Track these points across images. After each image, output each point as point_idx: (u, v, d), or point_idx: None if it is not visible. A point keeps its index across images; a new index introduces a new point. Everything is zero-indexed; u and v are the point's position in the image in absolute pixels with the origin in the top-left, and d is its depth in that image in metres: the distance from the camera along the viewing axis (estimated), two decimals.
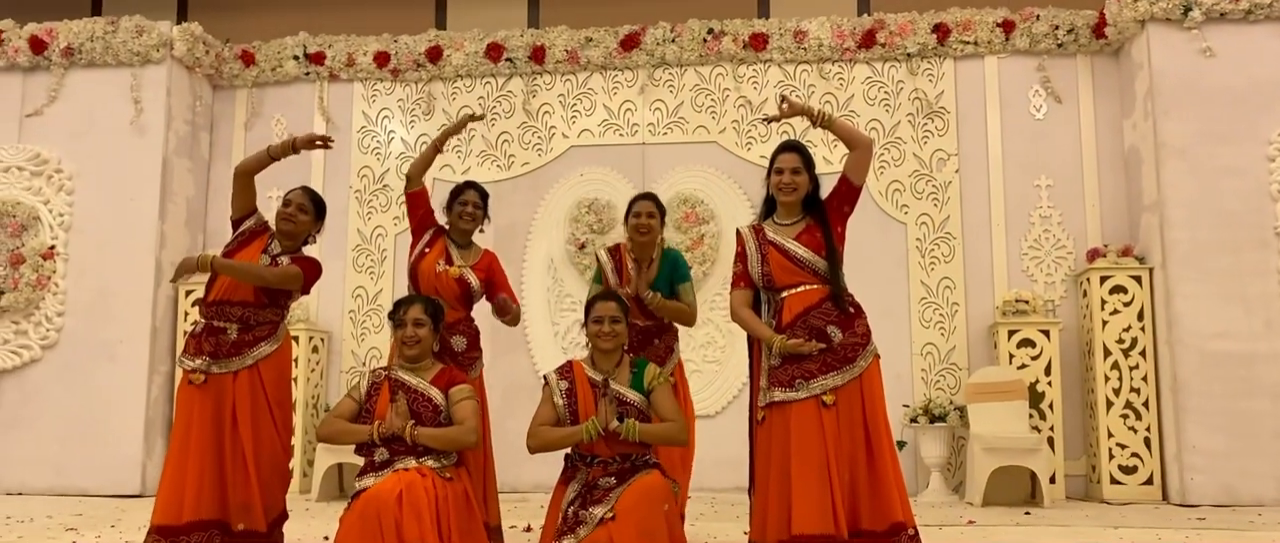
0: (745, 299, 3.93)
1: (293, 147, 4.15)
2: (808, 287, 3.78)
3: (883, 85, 7.95)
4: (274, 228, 4.23)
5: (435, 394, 3.81)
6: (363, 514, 3.49)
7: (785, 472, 3.63)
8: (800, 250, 3.79)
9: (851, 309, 3.80)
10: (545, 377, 4.03)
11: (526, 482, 7.18)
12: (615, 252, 4.72)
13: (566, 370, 3.99)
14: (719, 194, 7.94)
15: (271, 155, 4.17)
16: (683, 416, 4.00)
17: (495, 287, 4.60)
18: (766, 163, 4.01)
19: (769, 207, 4.01)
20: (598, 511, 3.68)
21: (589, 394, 3.89)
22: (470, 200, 4.56)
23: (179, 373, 4.12)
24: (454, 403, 3.81)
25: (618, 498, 3.69)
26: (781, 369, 3.73)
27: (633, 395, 3.90)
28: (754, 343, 3.96)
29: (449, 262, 4.49)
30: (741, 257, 3.96)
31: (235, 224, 4.25)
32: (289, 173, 6.76)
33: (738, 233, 4.04)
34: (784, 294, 3.81)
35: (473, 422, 3.77)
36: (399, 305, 4.00)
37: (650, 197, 4.72)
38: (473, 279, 4.49)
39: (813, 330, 3.71)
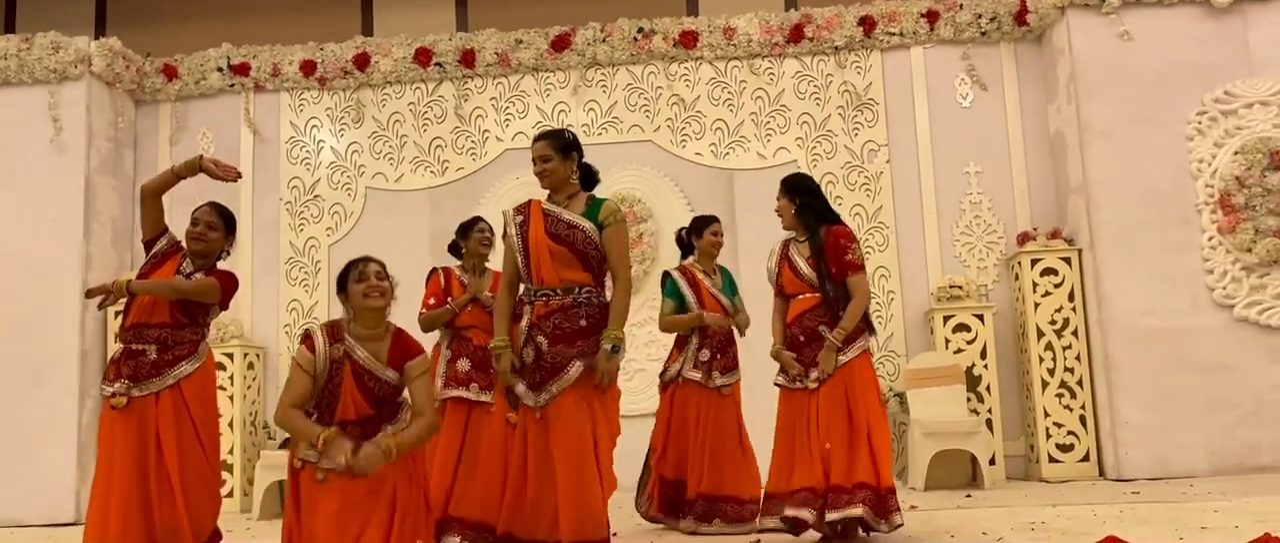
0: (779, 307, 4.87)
1: (198, 167, 4.06)
2: (806, 295, 4.69)
3: (812, 79, 8.01)
4: (185, 247, 4.14)
5: (392, 376, 3.58)
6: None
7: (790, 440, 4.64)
8: (805, 269, 4.69)
9: (841, 313, 4.64)
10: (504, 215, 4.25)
11: None
12: (684, 272, 5.50)
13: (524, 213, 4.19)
14: (655, 192, 7.93)
15: (176, 175, 4.09)
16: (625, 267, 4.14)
17: None
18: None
19: None
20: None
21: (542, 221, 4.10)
22: (485, 228, 5.37)
23: None
24: (412, 380, 3.60)
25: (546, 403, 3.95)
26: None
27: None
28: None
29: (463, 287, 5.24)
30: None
31: (147, 246, 4.15)
32: (217, 187, 6.61)
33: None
34: (790, 299, 4.76)
35: (431, 406, 3.60)
36: (352, 266, 3.67)
37: (717, 218, 5.65)
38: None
39: (805, 330, 4.64)
